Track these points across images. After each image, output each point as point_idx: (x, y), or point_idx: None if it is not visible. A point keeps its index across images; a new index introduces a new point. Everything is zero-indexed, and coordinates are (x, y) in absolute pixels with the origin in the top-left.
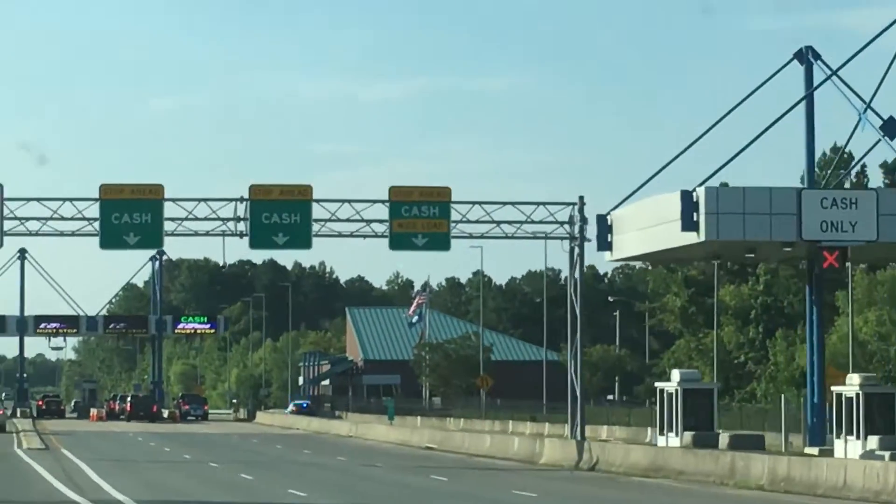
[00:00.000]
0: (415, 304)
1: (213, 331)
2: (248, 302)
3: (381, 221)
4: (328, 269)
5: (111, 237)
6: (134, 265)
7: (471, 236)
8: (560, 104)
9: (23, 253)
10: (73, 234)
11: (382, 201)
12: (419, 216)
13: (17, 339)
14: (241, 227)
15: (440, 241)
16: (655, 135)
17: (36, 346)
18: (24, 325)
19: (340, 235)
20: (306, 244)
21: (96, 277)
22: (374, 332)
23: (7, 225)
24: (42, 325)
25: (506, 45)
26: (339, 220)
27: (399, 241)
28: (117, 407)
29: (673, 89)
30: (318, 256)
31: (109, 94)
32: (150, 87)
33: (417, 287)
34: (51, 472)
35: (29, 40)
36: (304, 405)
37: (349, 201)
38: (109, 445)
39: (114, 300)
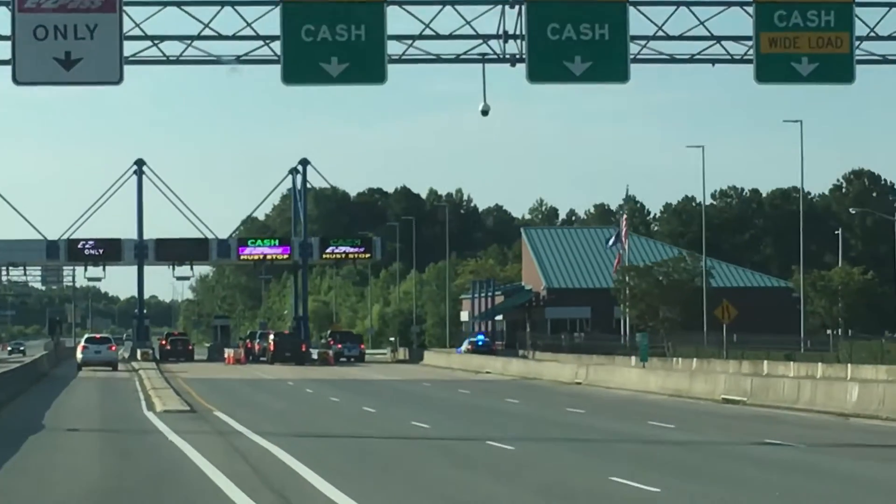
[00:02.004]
0: (623, 227)
1: (367, 255)
2: (390, 228)
3: (739, 39)
4: (465, 198)
5: (301, 64)
6: (265, 186)
7: (884, 60)
8: None
9: (140, 165)
10: (238, 59)
11: (742, 3)
12: (803, 27)
13: (134, 268)
14: (512, 47)
15: (838, 68)
16: None
17: (150, 285)
18: (143, 251)
19: (673, 60)
20: (618, 75)
21: (215, 205)
22: (557, 257)
23: (131, 48)
24: (165, 251)
25: None
26: (668, 37)
27: (772, 69)
28: (258, 347)
29: None
30: (455, 184)
31: None
32: None
33: (563, 216)
34: (234, 476)
35: None
36: (480, 342)
37: (687, 4)
38: (278, 402)
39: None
